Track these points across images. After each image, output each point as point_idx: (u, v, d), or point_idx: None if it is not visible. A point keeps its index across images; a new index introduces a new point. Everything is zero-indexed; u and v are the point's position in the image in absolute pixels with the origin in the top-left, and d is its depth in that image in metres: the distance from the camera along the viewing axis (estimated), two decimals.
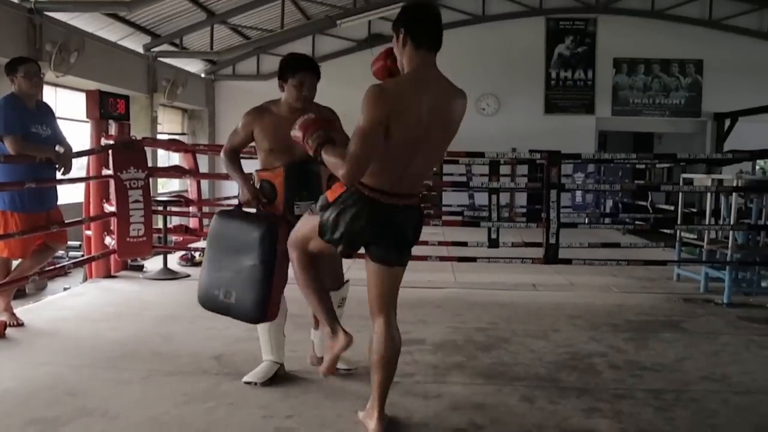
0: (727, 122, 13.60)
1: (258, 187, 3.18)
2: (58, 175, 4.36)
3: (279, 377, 3.27)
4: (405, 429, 2.77)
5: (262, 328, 3.26)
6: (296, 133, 2.59)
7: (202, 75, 14.26)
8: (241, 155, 3.35)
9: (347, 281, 3.39)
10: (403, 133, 2.40)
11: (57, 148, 4.30)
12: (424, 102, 2.42)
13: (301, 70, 3.09)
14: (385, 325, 2.64)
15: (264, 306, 2.92)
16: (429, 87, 2.45)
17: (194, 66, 13.77)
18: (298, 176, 3.11)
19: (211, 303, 3.02)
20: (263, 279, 2.89)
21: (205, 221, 8.73)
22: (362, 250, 2.65)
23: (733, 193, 5.54)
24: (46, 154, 4.20)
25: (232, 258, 2.95)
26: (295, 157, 3.07)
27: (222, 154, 3.26)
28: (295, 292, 5.15)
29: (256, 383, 3.19)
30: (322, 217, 2.56)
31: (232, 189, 11.05)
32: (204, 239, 7.81)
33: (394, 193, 2.50)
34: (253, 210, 3.18)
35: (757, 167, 10.27)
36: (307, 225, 2.71)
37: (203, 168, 11.61)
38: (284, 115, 3.10)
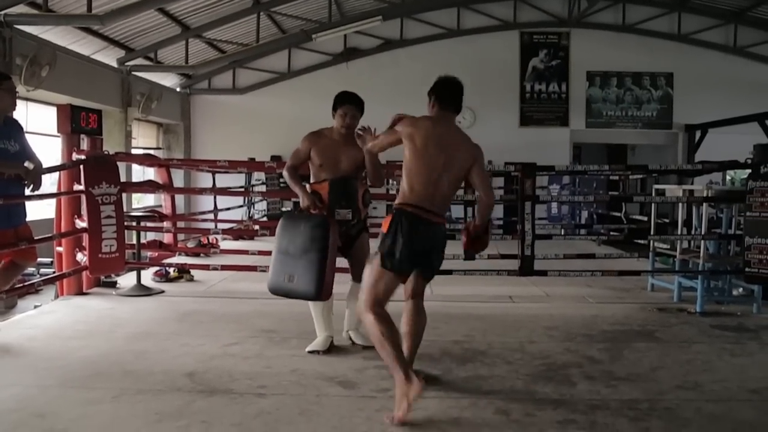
0: (698, 134, 13.86)
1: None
2: (27, 191, 4.27)
3: (333, 347, 3.97)
4: None
5: (315, 310, 3.94)
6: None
7: (178, 89, 14.17)
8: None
9: None
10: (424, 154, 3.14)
11: (26, 163, 4.21)
12: (439, 135, 3.17)
13: (345, 104, 3.90)
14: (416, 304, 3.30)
15: (320, 286, 3.56)
16: (445, 128, 3.24)
17: (169, 80, 13.69)
18: (340, 188, 3.90)
19: (277, 288, 3.66)
20: (319, 263, 3.55)
21: (180, 236, 8.64)
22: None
23: (704, 204, 5.63)
24: (14, 170, 4.10)
25: (294, 249, 3.65)
26: (338, 173, 3.87)
27: (285, 170, 3.98)
28: (271, 307, 5.09)
29: (319, 352, 3.89)
30: (382, 248, 3.08)
31: (207, 204, 10.96)
32: (178, 254, 7.76)
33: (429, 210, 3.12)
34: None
35: (727, 178, 10.46)
36: (368, 274, 3.16)
37: (178, 183, 11.50)
38: (335, 138, 3.92)
